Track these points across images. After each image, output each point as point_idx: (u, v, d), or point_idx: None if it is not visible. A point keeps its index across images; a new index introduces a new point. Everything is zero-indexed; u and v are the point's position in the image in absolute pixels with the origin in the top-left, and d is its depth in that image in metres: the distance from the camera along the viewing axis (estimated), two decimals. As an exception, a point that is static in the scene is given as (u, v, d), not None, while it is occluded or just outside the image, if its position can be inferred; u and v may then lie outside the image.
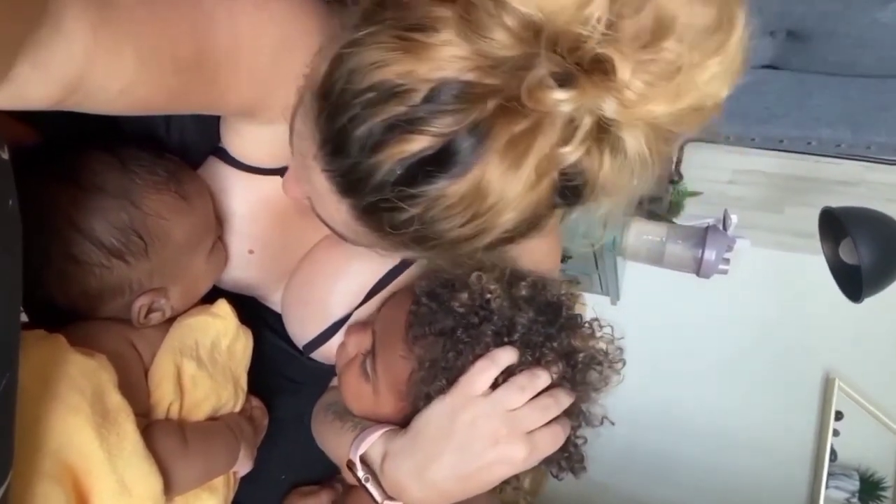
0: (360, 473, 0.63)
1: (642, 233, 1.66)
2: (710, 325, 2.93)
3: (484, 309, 0.62)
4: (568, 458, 0.66)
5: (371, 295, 0.77)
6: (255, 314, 0.80)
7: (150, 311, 0.65)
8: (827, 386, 2.76)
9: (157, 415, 0.64)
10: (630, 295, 2.73)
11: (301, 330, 0.80)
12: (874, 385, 2.69)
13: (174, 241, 0.63)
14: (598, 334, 0.66)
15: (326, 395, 0.84)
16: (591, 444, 0.67)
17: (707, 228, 1.70)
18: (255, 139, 0.67)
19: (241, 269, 0.75)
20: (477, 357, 0.61)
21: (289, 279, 0.79)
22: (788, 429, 2.79)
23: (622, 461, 2.66)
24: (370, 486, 0.63)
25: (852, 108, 1.25)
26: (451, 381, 0.61)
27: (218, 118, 0.69)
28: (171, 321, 0.68)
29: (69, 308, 0.61)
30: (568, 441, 0.64)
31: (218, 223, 0.71)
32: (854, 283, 1.71)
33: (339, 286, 0.76)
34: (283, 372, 0.86)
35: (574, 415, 0.65)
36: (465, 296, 0.63)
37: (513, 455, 0.59)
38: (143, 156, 0.62)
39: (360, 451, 0.64)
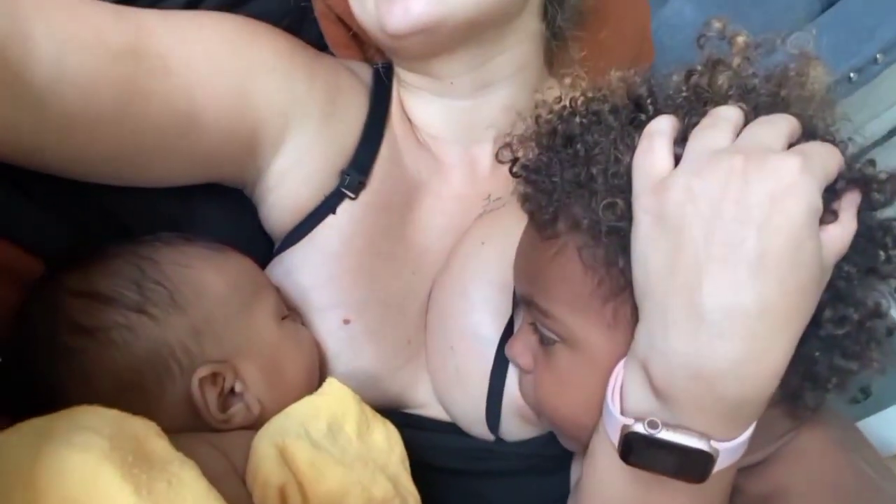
0: (643, 430, 0.37)
1: None
2: None
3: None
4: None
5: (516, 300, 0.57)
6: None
7: (225, 400, 0.49)
8: None
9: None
10: None
11: (466, 397, 0.58)
12: None
13: (212, 292, 0.50)
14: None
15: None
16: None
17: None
18: (284, 185, 0.59)
19: (351, 351, 0.58)
20: (628, 150, 0.40)
21: (427, 346, 0.61)
22: None
23: None
24: (669, 436, 0.37)
25: None
26: (622, 191, 0.40)
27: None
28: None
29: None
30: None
31: (292, 308, 0.58)
32: None
33: (475, 304, 0.58)
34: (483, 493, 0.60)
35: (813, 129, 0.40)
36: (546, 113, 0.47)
37: (781, 170, 0.34)
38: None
39: (616, 403, 0.40)
